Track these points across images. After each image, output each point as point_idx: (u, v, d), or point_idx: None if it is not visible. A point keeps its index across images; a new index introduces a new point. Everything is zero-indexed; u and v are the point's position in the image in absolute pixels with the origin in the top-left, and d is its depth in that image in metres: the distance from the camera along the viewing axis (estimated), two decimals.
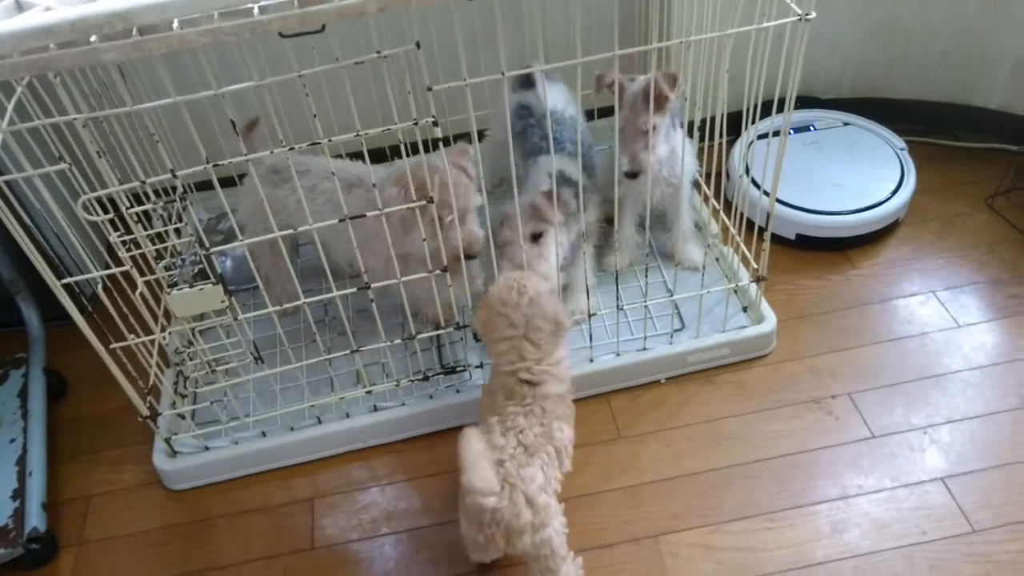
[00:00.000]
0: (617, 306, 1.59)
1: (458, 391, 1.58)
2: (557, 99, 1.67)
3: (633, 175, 1.56)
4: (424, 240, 1.34)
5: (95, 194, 1.14)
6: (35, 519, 1.45)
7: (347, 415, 1.57)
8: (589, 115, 1.99)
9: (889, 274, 1.79)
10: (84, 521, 1.55)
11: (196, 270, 1.27)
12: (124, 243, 1.21)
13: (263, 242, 1.33)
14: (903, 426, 1.51)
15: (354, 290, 1.39)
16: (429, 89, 1.14)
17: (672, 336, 1.63)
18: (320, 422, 1.57)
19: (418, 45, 1.08)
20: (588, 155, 1.69)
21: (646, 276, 1.67)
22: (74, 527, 1.54)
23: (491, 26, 1.68)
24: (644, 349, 1.61)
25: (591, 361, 1.60)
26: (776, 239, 1.75)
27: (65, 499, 1.58)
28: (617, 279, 1.68)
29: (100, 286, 1.28)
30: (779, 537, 1.38)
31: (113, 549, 1.50)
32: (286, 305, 1.39)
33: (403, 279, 1.37)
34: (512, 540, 1.18)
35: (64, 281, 1.23)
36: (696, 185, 1.81)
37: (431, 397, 1.58)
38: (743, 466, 1.48)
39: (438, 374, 1.58)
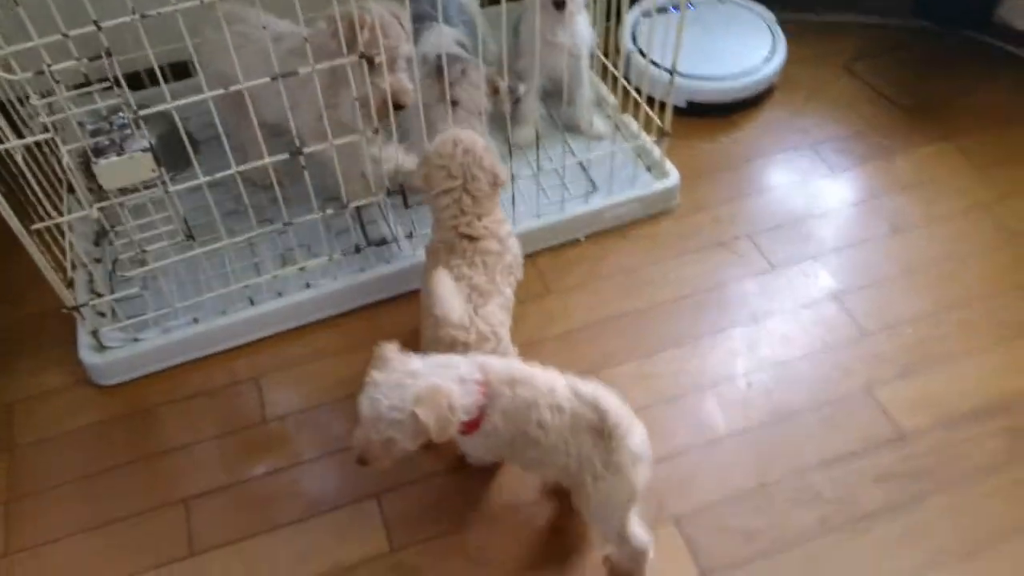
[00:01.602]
0: (537, 167, 1.66)
1: (388, 262, 1.62)
2: None
3: (560, 5, 1.62)
4: (355, 99, 1.35)
5: (13, 48, 1.08)
6: None
7: (279, 294, 1.57)
8: None
9: (770, 133, 1.97)
10: (10, 428, 1.48)
11: (124, 135, 1.22)
12: (50, 107, 1.15)
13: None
14: (797, 257, 1.69)
15: (286, 155, 1.39)
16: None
17: (587, 197, 1.73)
18: (253, 303, 1.56)
19: None
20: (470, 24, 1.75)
21: (566, 143, 1.75)
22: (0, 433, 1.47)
23: None
24: (562, 208, 1.70)
25: (513, 225, 1.67)
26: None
27: None
28: (537, 141, 1.73)
29: (20, 156, 1.21)
30: (702, 360, 1.52)
31: (49, 449, 1.45)
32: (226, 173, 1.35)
33: (335, 141, 1.38)
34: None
35: None
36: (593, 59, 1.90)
37: (363, 270, 1.61)
38: (663, 305, 1.61)
39: (369, 246, 1.60)
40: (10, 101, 1.38)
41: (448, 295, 1.22)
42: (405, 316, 1.60)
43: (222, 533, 1.32)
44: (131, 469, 1.41)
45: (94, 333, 1.49)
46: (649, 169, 1.79)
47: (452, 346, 1.21)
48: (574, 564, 1.27)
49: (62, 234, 1.45)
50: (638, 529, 1.18)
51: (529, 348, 1.53)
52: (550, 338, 1.56)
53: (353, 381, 1.48)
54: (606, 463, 1.09)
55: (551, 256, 1.70)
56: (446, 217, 1.35)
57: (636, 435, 1.11)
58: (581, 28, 1.70)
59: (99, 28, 1.10)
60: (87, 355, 1.49)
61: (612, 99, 1.91)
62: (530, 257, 1.68)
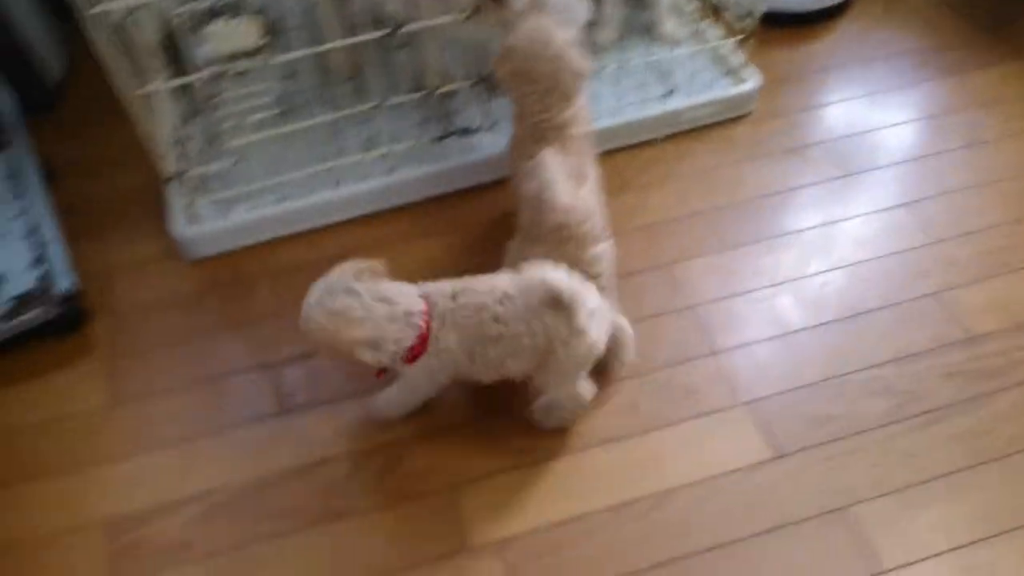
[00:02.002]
0: (617, 67, 1.67)
1: (470, 152, 1.65)
2: None
3: None
4: None
5: None
6: (66, 280, 1.44)
7: (364, 178, 1.61)
8: None
9: (847, 45, 1.96)
10: (109, 292, 1.54)
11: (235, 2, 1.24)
12: None
13: None
14: (869, 166, 1.70)
15: (383, 32, 1.40)
16: None
17: (665, 98, 1.74)
18: (338, 185, 1.60)
19: None
20: None
21: (645, 46, 1.75)
22: (100, 297, 1.53)
23: None
24: (641, 108, 1.71)
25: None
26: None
27: (85, 273, 1.55)
28: (617, 42, 1.73)
29: (127, 18, 1.24)
30: (776, 258, 1.55)
31: (146, 314, 1.51)
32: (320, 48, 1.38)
33: (433, 21, 1.40)
34: (578, 252, 1.29)
35: (95, 9, 1.19)
36: None
37: (445, 159, 1.63)
38: (739, 205, 1.64)
39: (452, 134, 1.63)
40: None
41: (558, 177, 1.24)
42: (484, 205, 1.64)
43: (310, 395, 1.39)
44: (222, 335, 1.47)
45: (187, 206, 1.53)
46: (727, 74, 1.80)
47: (560, 229, 1.25)
48: None
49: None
50: (586, 383, 1.29)
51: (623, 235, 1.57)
52: (628, 230, 1.59)
53: (431, 264, 1.55)
54: (571, 328, 1.16)
55: (629, 154, 1.72)
56: (529, 112, 1.35)
57: (589, 296, 1.19)
58: None
59: None
60: (180, 227, 1.54)
61: (690, 5, 1.91)
62: (608, 154, 1.71)
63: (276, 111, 1.44)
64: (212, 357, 1.44)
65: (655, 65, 1.80)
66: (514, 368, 1.22)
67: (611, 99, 1.72)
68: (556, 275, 1.14)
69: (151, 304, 1.52)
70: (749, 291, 1.50)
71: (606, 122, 1.68)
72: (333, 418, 1.36)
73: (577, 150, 1.36)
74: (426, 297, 1.19)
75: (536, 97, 1.34)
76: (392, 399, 1.29)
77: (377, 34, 1.40)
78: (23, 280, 1.44)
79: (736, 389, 1.38)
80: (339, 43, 1.39)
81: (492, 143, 1.65)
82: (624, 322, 1.34)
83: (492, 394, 1.35)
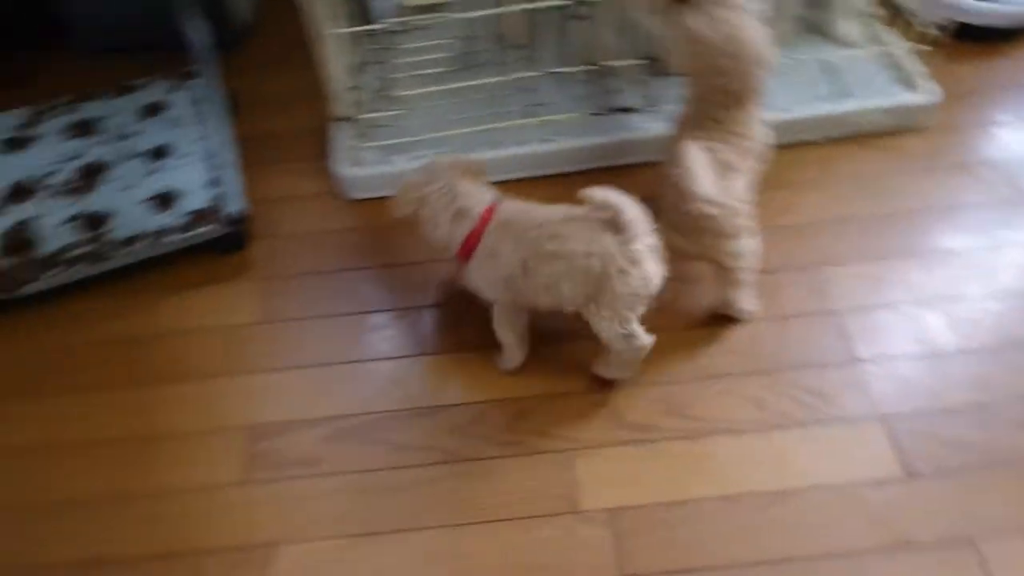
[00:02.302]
0: (788, 63, 1.63)
1: (628, 130, 1.66)
2: None
3: None
4: None
5: None
6: (236, 203, 1.55)
7: (520, 143, 1.65)
8: None
9: None
10: (272, 220, 1.64)
11: None
12: None
13: None
14: None
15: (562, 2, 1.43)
16: None
17: (834, 99, 1.69)
18: (497, 147, 1.64)
19: None
20: None
21: (819, 44, 1.70)
22: (263, 223, 1.63)
23: None
24: (806, 107, 1.67)
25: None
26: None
27: (253, 199, 1.66)
28: (789, 39, 1.69)
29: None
30: (930, 275, 1.49)
31: (302, 243, 1.60)
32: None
33: None
34: (718, 244, 1.29)
35: None
36: None
37: (602, 133, 1.65)
38: (896, 215, 1.58)
39: (613, 111, 1.64)
40: None
41: (698, 168, 1.23)
42: (634, 184, 1.61)
43: (444, 341, 1.44)
44: (369, 274, 1.54)
45: (352, 149, 1.61)
46: (902, 82, 1.72)
47: (699, 219, 1.24)
48: None
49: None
50: (640, 328, 1.27)
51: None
52: (776, 227, 1.56)
53: None
54: (627, 256, 1.18)
55: (787, 151, 1.68)
56: (703, 95, 1.35)
57: (648, 230, 1.21)
58: None
59: None
60: (343, 168, 1.63)
61: (872, 8, 1.85)
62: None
63: (448, 69, 1.50)
64: (357, 293, 1.52)
65: (826, 65, 1.75)
66: (568, 292, 1.24)
67: (777, 95, 1.68)
68: (621, 198, 1.17)
69: (308, 235, 1.62)
70: (898, 304, 1.45)
71: (768, 117, 1.65)
72: (463, 366, 1.41)
73: (741, 143, 1.34)
74: (495, 203, 1.29)
75: (716, 88, 1.32)
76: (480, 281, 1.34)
77: (556, 2, 1.43)
78: (199, 197, 1.56)
79: (873, 400, 1.33)
80: (516, 7, 1.43)
81: (650, 124, 1.65)
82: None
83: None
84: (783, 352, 1.40)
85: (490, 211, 1.29)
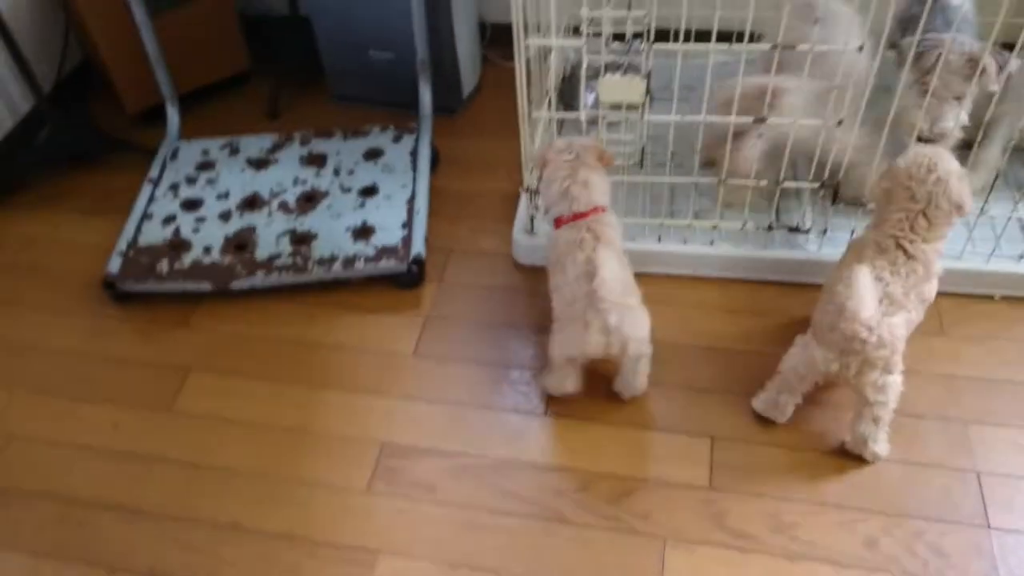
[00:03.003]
0: (981, 209, 1.61)
1: (792, 248, 1.69)
2: None
3: None
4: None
5: None
6: (419, 246, 1.74)
7: (685, 241, 1.73)
8: None
9: None
10: (445, 266, 1.83)
11: (630, 63, 1.44)
12: (590, 20, 1.40)
13: None
14: None
15: (752, 119, 1.52)
16: None
17: (1019, 259, 1.64)
18: (659, 241, 1.73)
19: None
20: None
21: (1015, 199, 1.67)
22: (436, 268, 1.82)
23: None
24: (987, 260, 1.63)
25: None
26: None
27: (431, 247, 1.86)
28: (989, 191, 1.66)
29: (553, 55, 1.48)
30: None
31: (467, 292, 1.77)
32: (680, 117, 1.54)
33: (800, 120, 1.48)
34: (863, 371, 1.30)
35: (529, 41, 1.45)
36: None
37: (766, 248, 1.70)
38: None
39: (783, 227, 1.69)
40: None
41: (865, 291, 1.25)
42: (789, 303, 1.67)
43: (571, 409, 1.52)
44: (520, 333, 1.67)
45: (530, 219, 1.77)
46: None
47: (851, 340, 1.26)
48: None
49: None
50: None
51: (905, 377, 1.52)
52: (927, 373, 1.53)
53: (719, 336, 1.62)
54: (589, 308, 1.35)
55: (957, 301, 1.65)
56: (891, 226, 1.36)
57: (612, 314, 1.34)
58: None
59: None
60: (518, 234, 1.78)
61: None
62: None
63: (632, 162, 1.62)
64: (506, 347, 1.65)
65: (1019, 221, 1.70)
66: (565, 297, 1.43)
67: (959, 241, 1.66)
68: (605, 270, 1.33)
69: (475, 287, 1.78)
70: None
71: (945, 262, 1.63)
72: (585, 433, 1.49)
73: (911, 280, 1.35)
74: (600, 208, 1.44)
75: (904, 216, 1.35)
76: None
77: (746, 120, 1.52)
78: (392, 236, 1.77)
79: (1000, 571, 1.26)
80: (701, 118, 1.53)
81: (817, 247, 1.68)
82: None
83: (730, 471, 1.39)
84: (910, 499, 1.36)
85: (588, 213, 1.43)
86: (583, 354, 1.41)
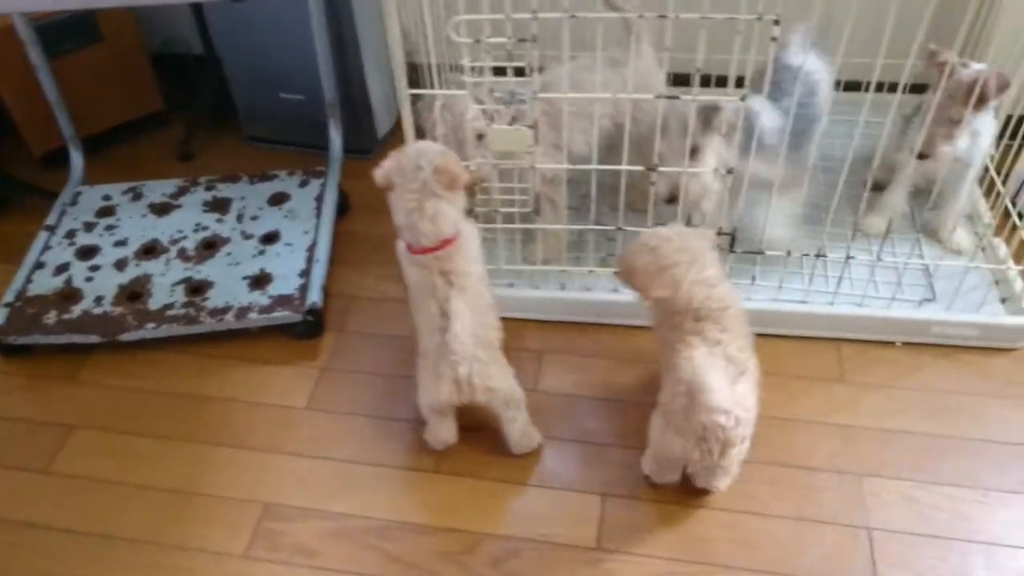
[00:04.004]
0: (877, 256, 1.60)
1: None
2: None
3: (923, 157, 1.56)
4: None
5: (468, 16, 1.31)
6: (316, 296, 1.70)
7: (588, 289, 1.70)
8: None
9: None
10: (346, 315, 1.78)
11: (517, 111, 1.41)
12: (473, 69, 1.37)
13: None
14: None
15: (641, 168, 1.50)
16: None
17: (920, 304, 1.63)
18: (563, 288, 1.70)
19: None
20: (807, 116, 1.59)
21: (918, 243, 1.66)
22: (337, 317, 1.77)
23: None
24: (889, 306, 1.62)
25: (831, 304, 1.63)
26: None
27: (334, 293, 1.82)
28: (887, 233, 1.66)
29: (439, 105, 1.46)
30: (989, 513, 1.37)
31: (366, 342, 1.72)
32: (575, 167, 1.52)
33: (690, 169, 1.47)
34: (725, 451, 1.24)
35: (411, 91, 1.42)
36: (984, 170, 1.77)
37: None
38: (966, 441, 1.47)
39: None
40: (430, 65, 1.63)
41: (713, 377, 1.16)
42: None
43: (462, 467, 1.48)
44: (413, 384, 1.61)
45: None
46: (1003, 301, 1.63)
47: (711, 431, 1.21)
48: None
49: None
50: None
51: (801, 425, 1.50)
52: (826, 423, 1.50)
53: (616, 387, 1.59)
54: (441, 360, 1.33)
55: (858, 348, 1.63)
56: (694, 293, 1.28)
57: (463, 366, 1.33)
58: (981, 137, 1.60)
59: (535, 16, 1.29)
60: None
61: (988, 217, 1.78)
62: (834, 342, 1.64)
63: (528, 209, 1.59)
64: (402, 400, 1.60)
65: (926, 268, 1.70)
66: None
67: (858, 287, 1.64)
68: (458, 323, 1.28)
69: (375, 336, 1.73)
70: (943, 538, 1.34)
71: (843, 309, 1.62)
72: (475, 492, 1.44)
73: (738, 329, 1.29)
74: (446, 240, 1.34)
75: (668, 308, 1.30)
76: None
77: (635, 167, 1.50)
78: (288, 284, 1.72)
79: None
80: (599, 167, 1.51)
81: None
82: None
83: (620, 530, 1.35)
84: (801, 557, 1.33)
85: (439, 247, 1.34)
86: (440, 404, 1.39)
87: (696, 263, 1.27)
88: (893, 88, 1.38)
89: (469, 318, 1.31)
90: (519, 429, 1.45)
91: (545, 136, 1.51)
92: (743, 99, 1.38)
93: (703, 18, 1.27)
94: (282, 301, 1.69)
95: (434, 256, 1.34)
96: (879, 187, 1.80)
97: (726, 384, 1.19)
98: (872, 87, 1.36)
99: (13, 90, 2.05)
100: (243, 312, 1.67)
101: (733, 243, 1.60)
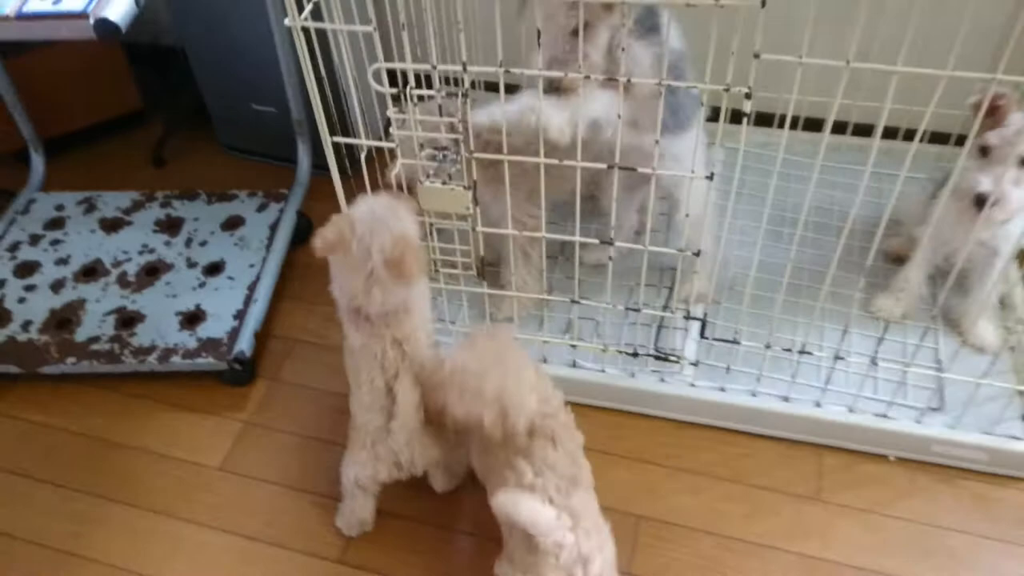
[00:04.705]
0: (872, 359, 1.37)
1: (663, 380, 1.47)
2: None
3: (982, 202, 1.29)
4: None
5: (388, 65, 1.13)
6: (245, 344, 1.56)
7: (544, 359, 1.51)
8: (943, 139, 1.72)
9: None
10: (283, 361, 1.64)
11: (453, 170, 1.23)
12: (399, 121, 1.20)
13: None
14: None
15: (596, 242, 1.31)
16: (756, 56, 0.99)
17: (923, 414, 1.39)
18: (544, 361, 1.52)
19: (763, 2, 0.94)
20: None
21: (932, 337, 1.43)
22: (274, 362, 1.63)
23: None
24: (884, 416, 1.39)
25: (818, 405, 1.41)
26: None
27: (273, 335, 1.68)
28: (885, 328, 1.44)
29: (364, 155, 1.29)
30: None
31: (298, 397, 1.57)
32: (525, 233, 1.34)
33: (649, 248, 1.27)
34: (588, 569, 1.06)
35: (335, 139, 1.25)
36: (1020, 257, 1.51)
37: (632, 375, 1.48)
38: None
39: (649, 355, 1.47)
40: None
41: (545, 522, 1.02)
42: (647, 441, 1.45)
43: (370, 560, 1.33)
44: (338, 452, 1.44)
45: None
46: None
47: (570, 565, 1.04)
48: None
49: None
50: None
51: (760, 550, 1.30)
52: (791, 551, 1.29)
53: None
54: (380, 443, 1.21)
55: (843, 460, 1.41)
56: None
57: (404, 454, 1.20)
58: (1012, 225, 1.34)
59: (465, 69, 1.10)
60: None
61: (1022, 311, 1.52)
62: (816, 449, 1.42)
63: (470, 272, 1.41)
64: (321, 470, 1.45)
65: (939, 364, 1.45)
66: None
67: (853, 382, 1.41)
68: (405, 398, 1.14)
69: (309, 389, 1.58)
70: None
71: (830, 412, 1.39)
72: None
73: (560, 447, 1.12)
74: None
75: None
76: None
77: (589, 241, 1.30)
78: (220, 326, 1.58)
79: None
80: (549, 235, 1.32)
81: (689, 380, 1.45)
82: None
83: None
84: None
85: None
86: (372, 482, 1.26)
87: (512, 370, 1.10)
88: (909, 136, 1.13)
89: (417, 398, 1.16)
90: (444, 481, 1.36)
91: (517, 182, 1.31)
92: None
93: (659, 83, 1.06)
94: (208, 346, 1.55)
95: (384, 324, 1.17)
96: (898, 259, 1.57)
97: (556, 520, 1.03)
98: (878, 132, 1.08)
99: None
100: (167, 354, 1.54)
101: (704, 329, 1.40)
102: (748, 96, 1.03)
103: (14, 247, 1.78)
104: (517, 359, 1.12)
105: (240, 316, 1.60)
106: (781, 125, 1.16)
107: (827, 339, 1.47)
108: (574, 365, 1.50)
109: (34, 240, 1.79)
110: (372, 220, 1.13)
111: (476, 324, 1.52)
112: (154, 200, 1.87)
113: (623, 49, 1.10)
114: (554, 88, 1.16)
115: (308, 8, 1.11)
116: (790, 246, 1.26)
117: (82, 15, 0.99)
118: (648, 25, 1.20)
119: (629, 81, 1.10)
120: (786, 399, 1.42)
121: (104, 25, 1.00)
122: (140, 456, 1.50)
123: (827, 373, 1.40)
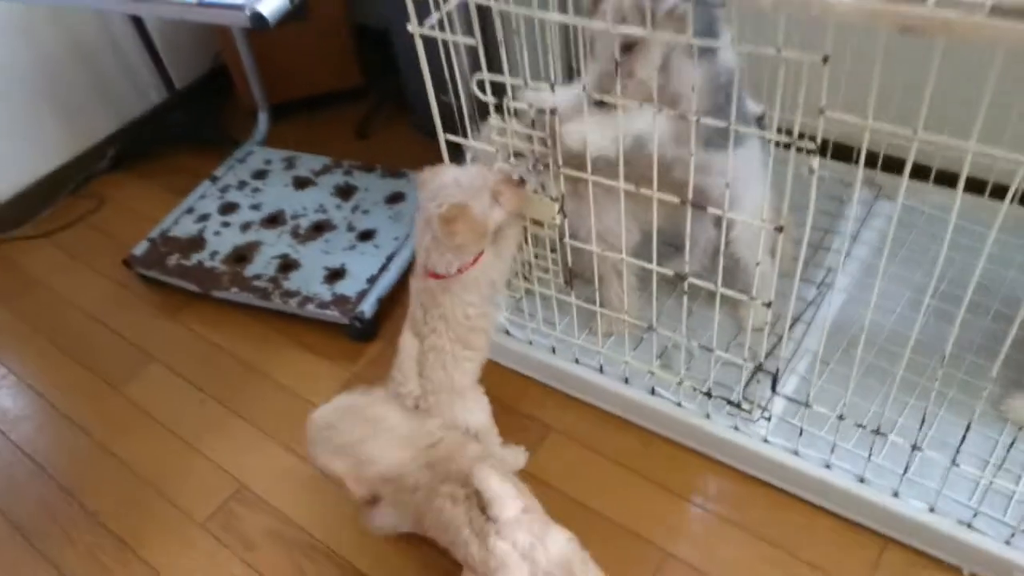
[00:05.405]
0: (952, 460, 1.23)
1: (736, 428, 1.43)
2: None
3: None
4: None
5: (490, 76, 1.22)
6: (367, 306, 1.74)
7: (626, 380, 1.53)
8: None
9: None
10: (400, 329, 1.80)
11: (540, 180, 1.30)
12: (500, 130, 1.28)
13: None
14: None
15: (671, 273, 1.30)
16: (821, 112, 0.95)
17: (1015, 535, 1.23)
18: (602, 371, 1.55)
19: (825, 59, 0.90)
20: None
21: None
22: (394, 328, 1.79)
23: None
24: (968, 525, 1.25)
25: (895, 495, 1.29)
26: None
27: (401, 302, 1.83)
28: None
29: (471, 156, 1.39)
30: None
31: None
32: (606, 252, 1.37)
33: (721, 289, 1.24)
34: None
35: (448, 137, 1.37)
36: None
37: (707, 416, 1.45)
38: None
39: (722, 399, 1.43)
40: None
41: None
42: (701, 482, 1.42)
43: None
44: None
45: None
46: None
47: None
48: None
49: None
50: None
51: None
52: None
53: (601, 495, 1.43)
54: None
55: (907, 558, 1.28)
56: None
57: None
58: None
59: (553, 89, 1.16)
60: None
61: None
62: (880, 539, 1.31)
63: (560, 279, 1.47)
64: None
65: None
66: None
67: (935, 479, 1.28)
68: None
69: None
70: None
71: (907, 506, 1.27)
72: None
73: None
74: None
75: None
76: None
77: (668, 271, 1.31)
78: (354, 285, 1.78)
79: None
80: (630, 259, 1.34)
81: (764, 434, 1.40)
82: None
83: None
84: None
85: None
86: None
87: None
88: None
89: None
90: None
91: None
92: None
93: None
94: (339, 301, 1.75)
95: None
96: None
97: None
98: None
99: (233, 55, 2.32)
100: (305, 301, 1.77)
101: (775, 383, 1.33)
102: (811, 152, 0.99)
103: (225, 189, 2.12)
104: (381, 415, 1.22)
105: (372, 280, 1.79)
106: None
107: (941, 430, 1.34)
108: (652, 392, 1.50)
109: (241, 185, 2.12)
110: (445, 182, 1.25)
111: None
112: (339, 167, 2.12)
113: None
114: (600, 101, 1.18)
115: (433, 18, 1.22)
116: (935, 320, 1.16)
117: (239, 8, 1.20)
118: (703, 47, 1.16)
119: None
120: (861, 480, 1.33)
121: (256, 17, 1.21)
122: (265, 381, 1.74)
123: (912, 460, 1.28)
